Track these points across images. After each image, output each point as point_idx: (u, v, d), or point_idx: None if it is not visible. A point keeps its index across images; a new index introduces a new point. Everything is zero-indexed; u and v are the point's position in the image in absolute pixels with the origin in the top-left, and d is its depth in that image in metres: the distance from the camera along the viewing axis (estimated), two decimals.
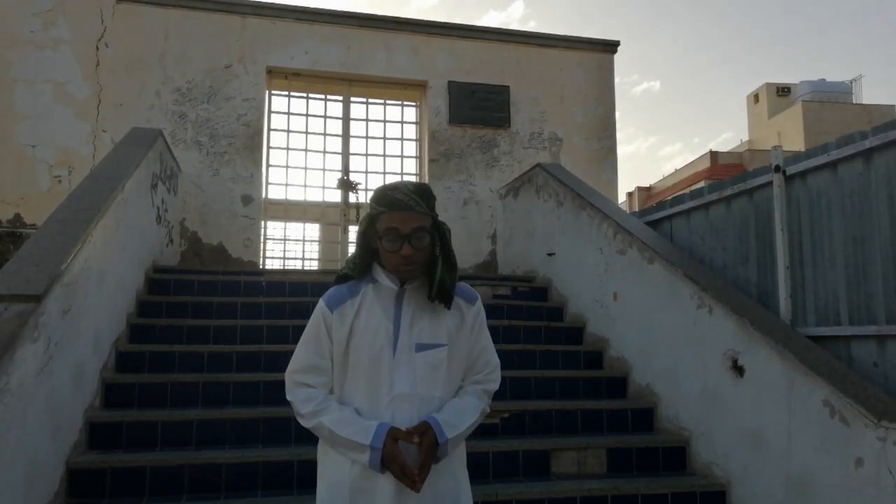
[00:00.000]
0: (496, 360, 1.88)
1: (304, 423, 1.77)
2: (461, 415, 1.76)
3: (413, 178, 7.55)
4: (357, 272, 1.82)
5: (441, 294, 1.76)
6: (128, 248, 4.45)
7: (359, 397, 1.74)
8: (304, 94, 7.40)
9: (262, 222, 7.03)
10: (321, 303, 1.81)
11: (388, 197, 1.73)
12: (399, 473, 1.63)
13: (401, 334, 1.74)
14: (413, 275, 1.76)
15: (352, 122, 7.50)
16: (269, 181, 7.17)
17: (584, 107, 7.85)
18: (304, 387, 1.78)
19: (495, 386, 1.87)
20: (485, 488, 3.34)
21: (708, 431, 3.75)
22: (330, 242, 8.34)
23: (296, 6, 7.20)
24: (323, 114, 7.42)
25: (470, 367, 1.84)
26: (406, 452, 1.65)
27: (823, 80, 32.75)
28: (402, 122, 7.65)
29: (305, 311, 1.88)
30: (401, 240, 1.70)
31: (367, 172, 7.43)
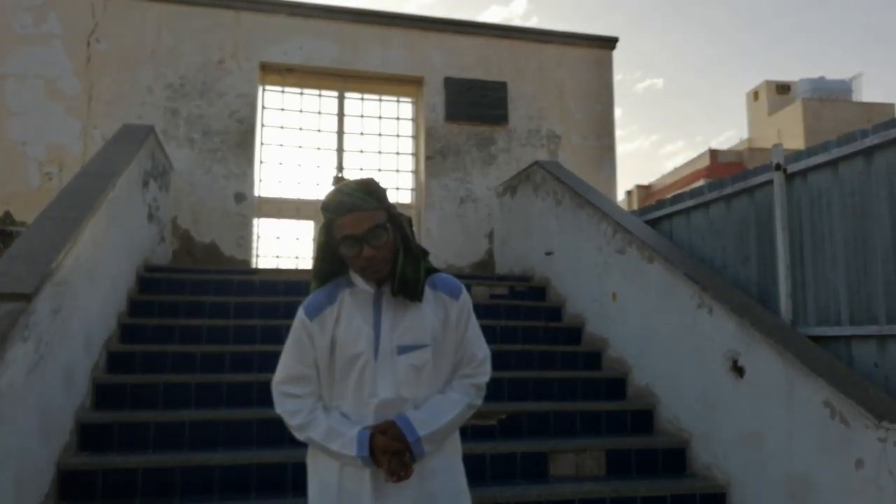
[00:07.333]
0: (483, 354, 1.85)
1: (295, 434, 1.78)
2: (438, 411, 1.74)
3: (409, 176, 7.52)
4: (324, 281, 1.81)
5: (404, 289, 1.73)
6: (119, 247, 4.40)
7: (346, 404, 1.74)
8: (299, 90, 7.33)
9: (255, 220, 6.96)
10: (300, 312, 1.80)
11: (333, 201, 1.70)
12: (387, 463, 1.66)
13: (381, 338, 1.73)
14: (382, 273, 1.73)
15: (347, 119, 7.45)
16: (263, 178, 7.11)
17: (582, 104, 7.81)
18: (290, 398, 1.78)
19: (485, 379, 1.84)
20: (482, 491, 3.30)
21: (708, 433, 3.72)
22: None
23: (290, 0, 7.14)
24: (317, 110, 7.37)
25: (458, 362, 1.83)
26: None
27: (823, 77, 32.92)
28: (397, 119, 7.60)
29: None
30: (357, 243, 1.67)
31: (362, 170, 7.37)
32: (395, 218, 1.76)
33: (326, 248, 1.77)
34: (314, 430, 1.72)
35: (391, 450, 1.65)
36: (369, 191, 1.71)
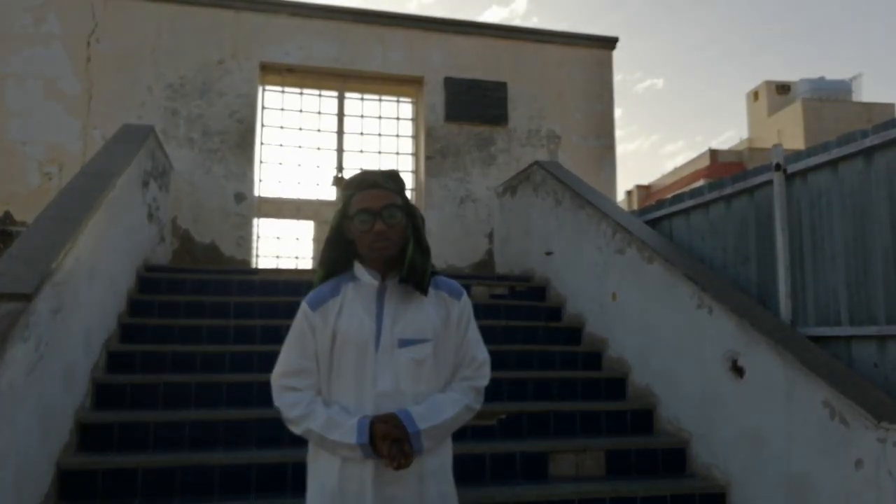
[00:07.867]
0: (483, 356, 1.86)
1: (292, 428, 1.77)
2: (438, 408, 1.74)
3: (409, 176, 7.52)
4: (330, 268, 1.83)
5: (412, 275, 1.75)
6: (119, 247, 4.39)
7: (345, 396, 1.74)
8: (299, 90, 7.33)
9: (255, 220, 6.96)
10: (303, 304, 1.82)
11: (357, 179, 1.82)
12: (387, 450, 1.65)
13: (383, 331, 1.75)
14: (389, 252, 1.74)
15: (346, 119, 7.45)
16: (263, 178, 7.11)
17: (582, 104, 7.81)
18: (290, 391, 1.77)
19: (484, 382, 1.86)
20: (481, 491, 3.25)
21: (707, 433, 3.72)
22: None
23: (290, 0, 7.13)
24: (317, 110, 7.37)
25: (458, 364, 1.83)
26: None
27: (823, 77, 32.92)
28: (397, 119, 7.60)
29: None
30: (372, 217, 1.73)
31: (362, 170, 7.37)
32: (411, 209, 1.82)
33: (337, 233, 1.82)
34: (313, 421, 1.72)
35: (392, 436, 1.64)
36: (392, 176, 1.83)
